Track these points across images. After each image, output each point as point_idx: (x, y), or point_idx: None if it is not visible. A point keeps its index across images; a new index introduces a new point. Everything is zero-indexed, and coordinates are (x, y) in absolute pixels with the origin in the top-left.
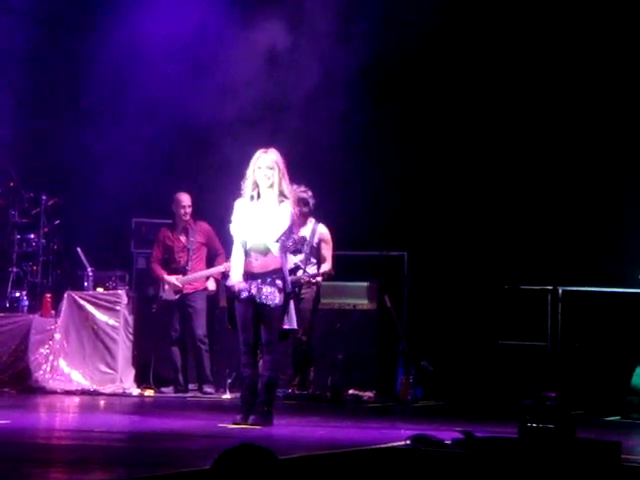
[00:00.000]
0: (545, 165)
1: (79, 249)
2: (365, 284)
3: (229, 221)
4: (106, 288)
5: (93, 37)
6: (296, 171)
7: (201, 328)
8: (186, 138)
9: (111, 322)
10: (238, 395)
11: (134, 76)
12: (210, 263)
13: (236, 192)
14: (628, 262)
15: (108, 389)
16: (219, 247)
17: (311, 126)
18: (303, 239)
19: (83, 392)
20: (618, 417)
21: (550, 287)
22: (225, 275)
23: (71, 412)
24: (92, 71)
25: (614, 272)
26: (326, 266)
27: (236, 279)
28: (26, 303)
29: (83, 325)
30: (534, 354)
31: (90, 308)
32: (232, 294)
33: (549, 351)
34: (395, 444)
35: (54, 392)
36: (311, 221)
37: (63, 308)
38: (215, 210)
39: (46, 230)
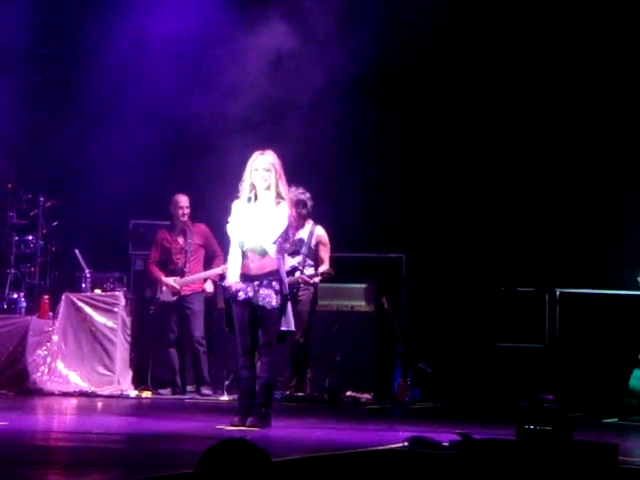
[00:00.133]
0: (543, 167)
1: (77, 251)
2: (363, 286)
3: (226, 222)
4: (104, 290)
5: (92, 38)
6: (294, 173)
7: (199, 330)
8: (184, 140)
9: (109, 324)
10: (236, 397)
11: (132, 78)
12: (208, 265)
13: (234, 194)
14: (626, 264)
15: (106, 391)
16: (217, 249)
17: (310, 128)
18: (301, 241)
19: (81, 394)
20: (616, 419)
21: (548, 289)
22: (223, 277)
23: (69, 414)
24: (90, 73)
25: (612, 274)
26: (324, 267)
27: (233, 279)
28: (24, 305)
29: (81, 327)
30: (532, 356)
31: (88, 310)
32: (229, 296)
33: (547, 353)
34: (393, 446)
35: (52, 394)
36: (309, 223)
37: (61, 310)
38: (213, 212)
39: (44, 232)
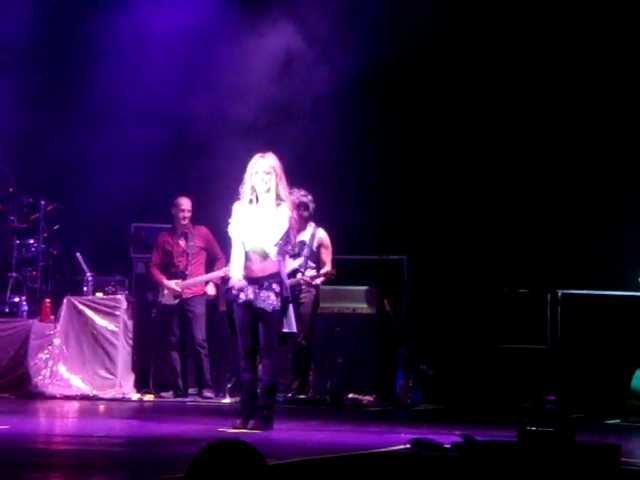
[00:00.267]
0: (544, 167)
1: (78, 254)
2: (364, 288)
3: (227, 224)
4: (105, 293)
5: (92, 40)
6: (295, 175)
7: (200, 333)
8: (185, 142)
9: (110, 327)
10: (238, 399)
11: (133, 79)
12: (209, 268)
13: (235, 197)
14: (627, 265)
15: (108, 394)
16: (218, 252)
17: (310, 130)
18: (302, 243)
19: (82, 397)
20: (618, 420)
21: (549, 290)
22: (225, 279)
23: (70, 417)
24: (90, 75)
25: (613, 275)
26: (326, 269)
27: (237, 278)
28: (25, 308)
29: (82, 330)
30: (533, 357)
31: (89, 313)
32: (231, 298)
33: (549, 354)
34: (395, 448)
35: (53, 397)
36: (311, 225)
37: (62, 313)
38: (214, 215)
39: (45, 235)
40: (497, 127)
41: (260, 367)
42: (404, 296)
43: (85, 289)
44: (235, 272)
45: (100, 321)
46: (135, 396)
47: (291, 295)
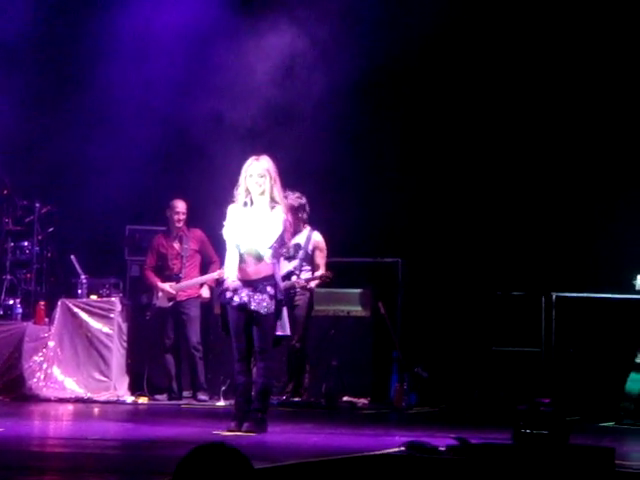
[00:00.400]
0: (539, 171)
1: (73, 256)
2: (359, 291)
3: (222, 226)
4: (100, 295)
5: (91, 41)
6: (290, 178)
7: (195, 335)
8: (180, 145)
9: (105, 330)
10: (232, 402)
11: (131, 81)
12: (204, 270)
13: (229, 200)
14: (622, 267)
15: (102, 397)
16: (213, 254)
17: (307, 132)
18: (297, 246)
19: (77, 400)
20: (612, 423)
21: (544, 293)
22: (219, 282)
23: (65, 420)
24: (89, 76)
25: (608, 278)
26: (320, 272)
27: (231, 280)
28: (20, 311)
29: (77, 333)
30: (528, 360)
31: (84, 316)
32: (225, 301)
33: (543, 357)
34: (389, 451)
35: (48, 400)
36: (306, 228)
37: (57, 316)
38: (209, 218)
39: (40, 238)
40: (493, 130)
41: (254, 370)
42: (399, 299)
43: (79, 292)
44: (229, 274)
45: (94, 324)
46: (129, 399)
47: (285, 298)
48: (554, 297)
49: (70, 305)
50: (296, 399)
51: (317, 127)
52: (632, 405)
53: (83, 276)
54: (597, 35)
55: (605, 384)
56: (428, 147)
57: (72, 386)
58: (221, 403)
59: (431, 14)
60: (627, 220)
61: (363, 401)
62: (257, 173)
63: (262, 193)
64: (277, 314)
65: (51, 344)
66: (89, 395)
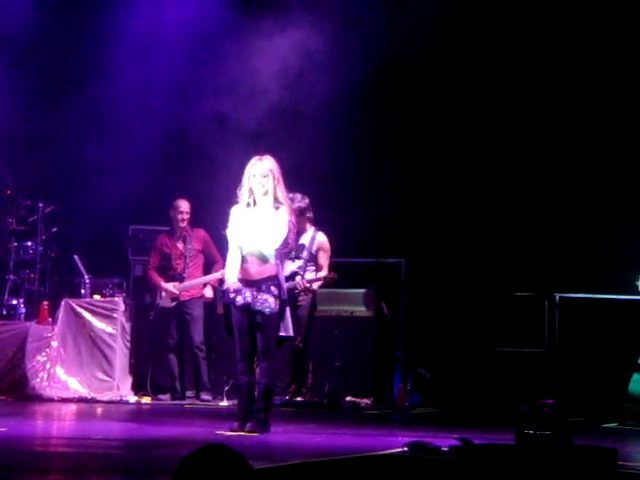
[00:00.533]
0: (542, 172)
1: (76, 256)
2: (362, 291)
3: (225, 227)
4: (103, 295)
5: (91, 41)
6: (293, 179)
7: (198, 335)
8: (185, 144)
9: (108, 329)
10: (235, 402)
11: (133, 81)
12: (207, 270)
13: (232, 200)
14: (625, 269)
15: (105, 396)
16: (216, 254)
17: (310, 134)
18: (302, 246)
19: (80, 400)
20: (615, 424)
21: (547, 294)
22: (222, 282)
23: (68, 420)
24: (89, 77)
25: (611, 279)
26: (323, 273)
27: (231, 281)
28: (23, 311)
29: (80, 332)
30: (531, 361)
31: (87, 315)
32: (228, 301)
33: (546, 358)
34: (392, 451)
35: (51, 400)
36: (311, 228)
37: (60, 315)
38: (212, 218)
39: (43, 238)
40: (495, 131)
41: (258, 370)
42: (401, 299)
43: (83, 291)
44: (230, 275)
45: (98, 323)
46: (132, 399)
47: (289, 298)
48: (557, 298)
49: (73, 305)
50: (299, 399)
51: (319, 128)
52: (635, 406)
53: (86, 276)
54: (597, 35)
55: (608, 385)
56: (430, 148)
57: (75, 386)
58: (224, 403)
59: (431, 15)
60: (631, 221)
61: (366, 401)
62: (260, 173)
63: (265, 193)
64: (281, 314)
65: (54, 344)
66: (92, 395)
